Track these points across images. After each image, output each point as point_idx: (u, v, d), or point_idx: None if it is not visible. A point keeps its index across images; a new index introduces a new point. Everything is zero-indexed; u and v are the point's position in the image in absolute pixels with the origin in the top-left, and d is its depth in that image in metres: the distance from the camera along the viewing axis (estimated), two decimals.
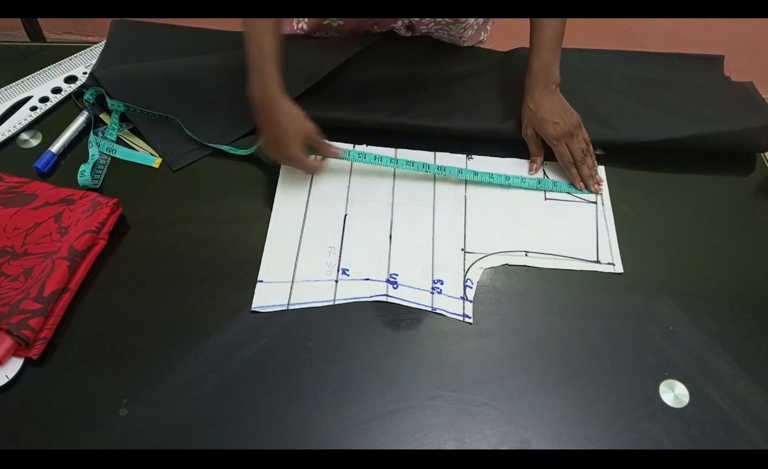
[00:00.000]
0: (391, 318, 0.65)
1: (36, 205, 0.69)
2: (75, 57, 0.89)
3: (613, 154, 0.81)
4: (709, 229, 0.76)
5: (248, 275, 0.67)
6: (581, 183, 0.78)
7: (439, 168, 0.78)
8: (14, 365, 0.59)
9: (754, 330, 0.66)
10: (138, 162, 0.77)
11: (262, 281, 0.66)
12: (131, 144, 0.79)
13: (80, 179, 0.73)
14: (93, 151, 0.76)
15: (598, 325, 0.66)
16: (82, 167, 0.73)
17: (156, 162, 0.77)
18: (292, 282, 0.67)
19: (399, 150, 0.81)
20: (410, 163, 0.77)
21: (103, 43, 0.89)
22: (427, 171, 0.77)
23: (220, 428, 0.57)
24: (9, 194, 0.70)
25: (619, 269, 0.71)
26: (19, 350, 0.59)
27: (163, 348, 0.61)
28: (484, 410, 0.59)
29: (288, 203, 0.74)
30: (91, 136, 0.77)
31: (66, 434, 0.56)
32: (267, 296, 0.65)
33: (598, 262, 0.71)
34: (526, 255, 0.71)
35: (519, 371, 0.62)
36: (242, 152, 0.77)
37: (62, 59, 0.88)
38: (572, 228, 0.75)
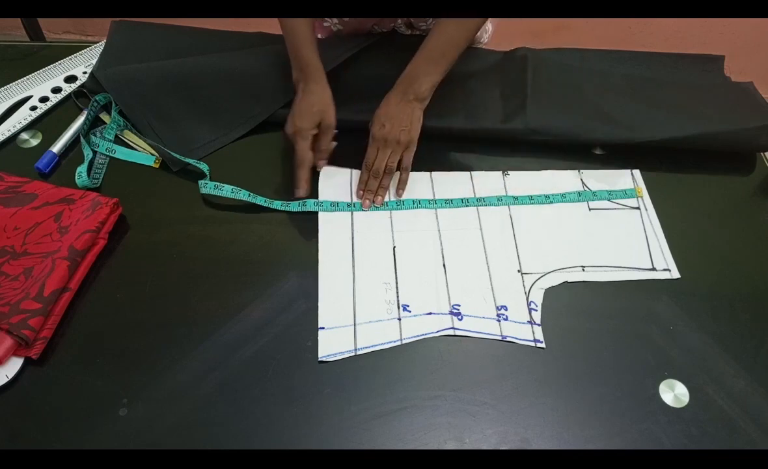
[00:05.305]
0: None
1: (36, 205, 0.69)
2: (75, 57, 0.89)
3: (613, 154, 0.81)
4: (709, 229, 0.76)
5: (248, 274, 0.68)
6: (360, 191, 0.75)
7: (479, 200, 0.76)
8: (14, 365, 0.59)
9: (754, 330, 0.66)
10: (137, 162, 0.77)
11: (323, 328, 0.63)
12: (131, 144, 0.79)
13: (78, 181, 0.73)
14: (86, 152, 0.75)
15: (598, 325, 0.66)
16: (79, 169, 0.73)
17: (156, 162, 0.77)
18: (355, 325, 0.64)
19: (434, 173, 0.79)
20: (449, 202, 0.75)
21: (103, 43, 0.89)
22: (467, 205, 0.76)
23: (220, 428, 0.57)
24: (9, 194, 0.70)
25: (675, 274, 0.70)
26: (19, 350, 0.59)
27: (163, 348, 0.61)
28: (484, 410, 0.59)
29: (333, 242, 0.71)
30: (82, 139, 0.77)
31: (66, 434, 0.56)
32: (332, 344, 0.62)
33: (653, 269, 0.70)
34: (583, 270, 0.70)
35: (519, 371, 0.62)
36: (261, 201, 0.73)
37: (62, 59, 0.88)
38: (621, 237, 0.73)
